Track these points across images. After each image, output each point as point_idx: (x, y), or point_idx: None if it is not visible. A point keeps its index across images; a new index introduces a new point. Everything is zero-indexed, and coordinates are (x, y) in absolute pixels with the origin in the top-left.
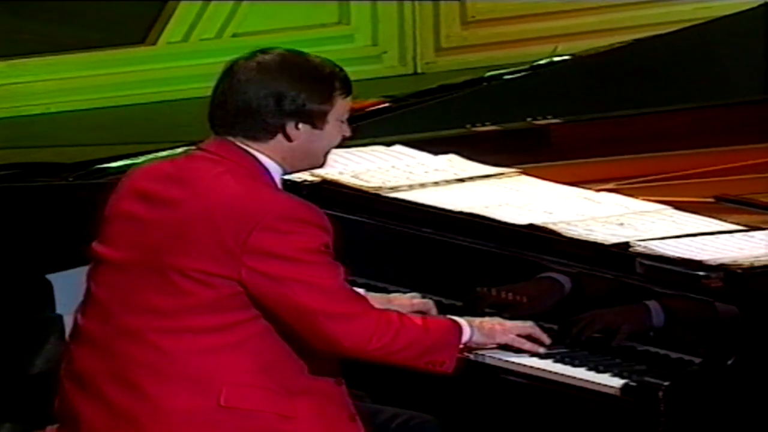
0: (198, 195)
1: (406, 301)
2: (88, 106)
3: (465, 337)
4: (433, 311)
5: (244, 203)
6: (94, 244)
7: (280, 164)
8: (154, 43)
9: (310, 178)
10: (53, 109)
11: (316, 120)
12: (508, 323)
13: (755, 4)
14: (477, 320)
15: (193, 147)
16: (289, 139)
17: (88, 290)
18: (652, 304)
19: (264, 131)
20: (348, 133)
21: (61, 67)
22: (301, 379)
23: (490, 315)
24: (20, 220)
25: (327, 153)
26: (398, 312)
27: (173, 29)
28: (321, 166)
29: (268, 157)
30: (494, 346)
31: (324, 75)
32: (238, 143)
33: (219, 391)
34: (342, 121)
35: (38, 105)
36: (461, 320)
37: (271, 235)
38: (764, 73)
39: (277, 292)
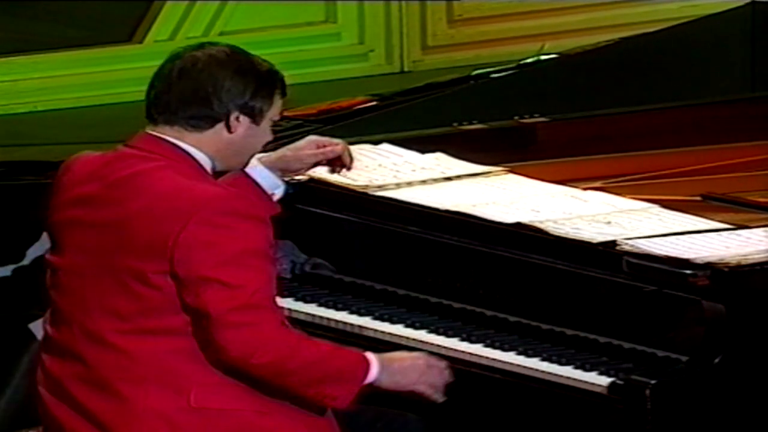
0: (137, 193)
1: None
2: (75, 105)
3: (370, 378)
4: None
5: (182, 197)
6: (47, 255)
7: (211, 158)
8: (140, 42)
9: (297, 177)
10: (40, 108)
11: (257, 115)
12: (426, 372)
13: (741, 3)
14: (396, 361)
15: (120, 144)
16: (229, 130)
17: (51, 299)
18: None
19: (207, 119)
20: (271, 137)
21: (48, 65)
22: None
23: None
24: (6, 219)
25: (252, 155)
26: (305, 336)
27: (160, 28)
28: (243, 167)
29: (199, 150)
30: (397, 390)
31: (267, 72)
32: (168, 137)
33: (188, 391)
34: (273, 123)
35: (25, 103)
36: (373, 359)
37: (206, 229)
38: (750, 71)
39: (190, 289)
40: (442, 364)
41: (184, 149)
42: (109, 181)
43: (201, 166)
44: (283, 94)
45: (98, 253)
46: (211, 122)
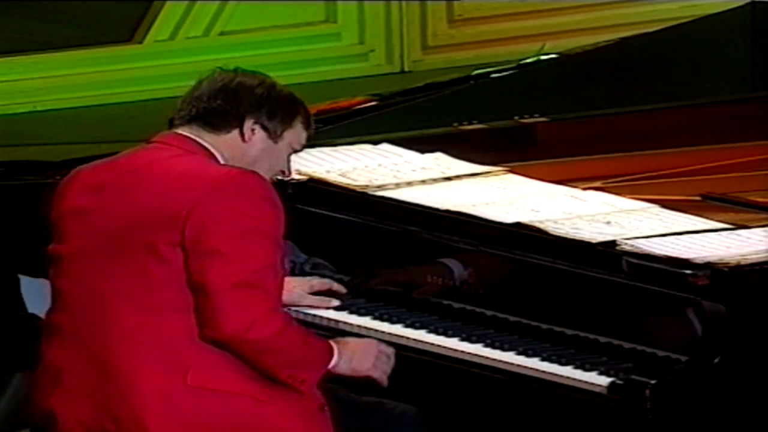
0: (150, 175)
1: (304, 282)
2: (75, 105)
3: (331, 364)
4: (336, 287)
5: (198, 174)
6: (51, 247)
7: (227, 161)
8: (141, 42)
9: (296, 177)
10: (39, 108)
11: (273, 132)
12: (379, 357)
13: (741, 3)
14: (350, 347)
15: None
16: (243, 138)
17: (53, 288)
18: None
19: (223, 122)
20: (287, 173)
21: (48, 65)
22: None
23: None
24: (5, 218)
25: (266, 177)
26: (290, 316)
27: (160, 27)
28: None
29: (217, 151)
30: (351, 375)
31: (291, 99)
32: (189, 134)
33: (186, 370)
34: (293, 150)
35: (25, 103)
36: (334, 345)
37: (221, 203)
38: (750, 71)
39: (196, 261)
40: (390, 350)
41: (202, 145)
42: (123, 170)
43: (215, 158)
44: (307, 126)
45: (108, 234)
46: (227, 125)
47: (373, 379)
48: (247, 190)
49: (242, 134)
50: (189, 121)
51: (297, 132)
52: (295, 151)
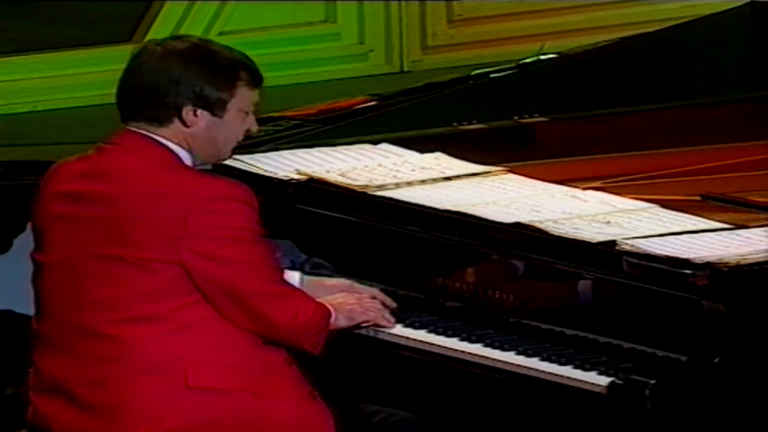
0: (128, 186)
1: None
2: (75, 105)
3: (332, 320)
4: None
5: (177, 188)
6: (34, 254)
7: (187, 151)
8: (140, 42)
9: (296, 177)
10: (39, 108)
11: (215, 107)
12: (365, 301)
13: (741, 3)
14: (336, 301)
15: (100, 143)
16: (185, 124)
17: (37, 297)
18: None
19: (163, 114)
20: (254, 128)
21: (48, 65)
22: (261, 358)
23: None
24: (5, 218)
25: (232, 145)
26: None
27: (160, 28)
28: (225, 158)
29: (174, 144)
30: (354, 325)
31: (228, 63)
32: (145, 132)
33: (185, 372)
34: (246, 113)
35: (25, 103)
36: (325, 302)
37: (209, 216)
38: (750, 71)
39: (216, 272)
40: (373, 291)
41: (159, 141)
42: (95, 177)
43: (178, 157)
44: (254, 84)
45: (89, 245)
46: (168, 117)
47: (374, 324)
48: (224, 197)
49: (183, 121)
50: (134, 117)
51: (242, 97)
52: (246, 113)
